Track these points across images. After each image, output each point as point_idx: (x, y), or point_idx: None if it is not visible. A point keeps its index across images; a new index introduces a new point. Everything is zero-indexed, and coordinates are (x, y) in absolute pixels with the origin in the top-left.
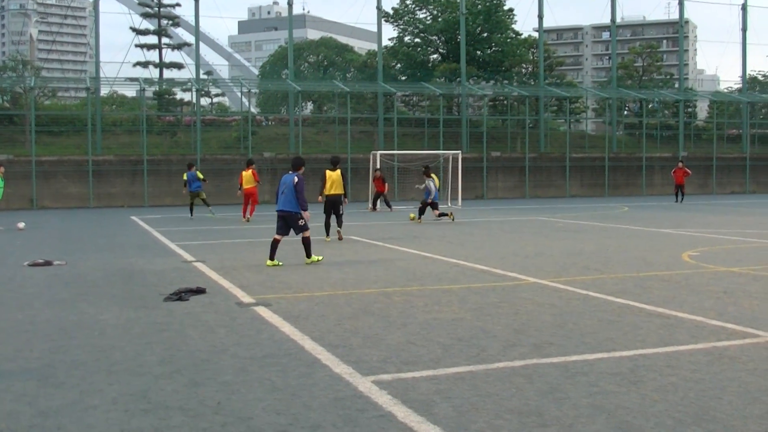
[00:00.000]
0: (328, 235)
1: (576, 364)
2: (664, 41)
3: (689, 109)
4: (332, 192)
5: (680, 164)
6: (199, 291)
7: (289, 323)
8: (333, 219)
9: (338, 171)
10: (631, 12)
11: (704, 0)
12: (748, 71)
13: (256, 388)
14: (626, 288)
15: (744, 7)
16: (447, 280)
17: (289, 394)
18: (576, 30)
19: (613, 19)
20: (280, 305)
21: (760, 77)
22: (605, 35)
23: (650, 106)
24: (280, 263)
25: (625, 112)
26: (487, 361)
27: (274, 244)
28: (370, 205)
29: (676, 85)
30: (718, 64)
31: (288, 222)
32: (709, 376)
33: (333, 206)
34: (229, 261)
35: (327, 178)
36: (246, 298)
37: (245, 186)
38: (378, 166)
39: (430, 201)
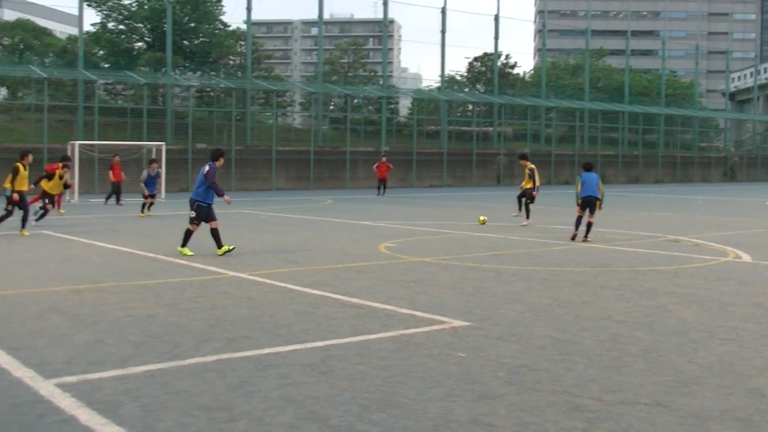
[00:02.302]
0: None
1: (269, 356)
2: (371, 39)
3: (392, 106)
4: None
5: (383, 159)
6: None
7: None
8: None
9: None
10: (340, 9)
11: (408, 2)
12: (447, 71)
13: None
14: (323, 279)
15: (444, 11)
16: (144, 276)
17: None
18: (286, 24)
19: (320, 16)
20: None
21: (458, 77)
22: (314, 30)
23: (355, 101)
24: None
25: (331, 107)
26: (179, 357)
27: None
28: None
29: (381, 82)
30: (420, 63)
31: None
32: (396, 362)
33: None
34: None
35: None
36: None
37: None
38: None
39: None
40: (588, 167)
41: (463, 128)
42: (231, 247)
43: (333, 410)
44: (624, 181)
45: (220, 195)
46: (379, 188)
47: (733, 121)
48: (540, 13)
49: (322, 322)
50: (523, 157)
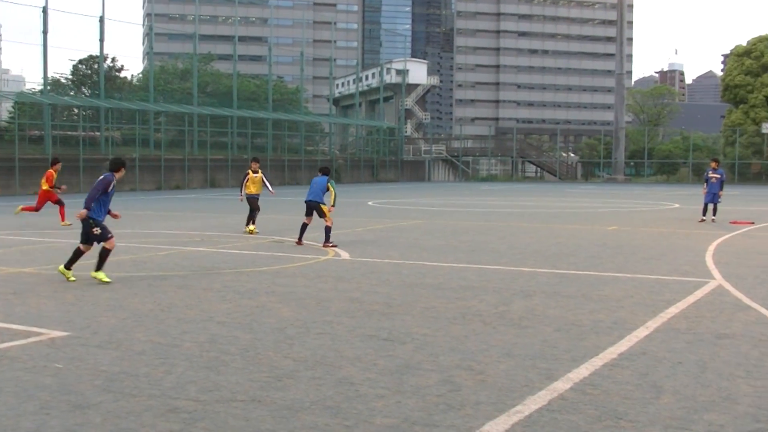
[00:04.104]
0: None
1: None
2: None
3: None
4: None
5: None
6: None
7: None
8: None
9: None
10: None
11: (8, 0)
12: (51, 73)
13: None
14: None
15: (45, 10)
16: None
17: None
18: None
19: None
20: None
21: (63, 80)
22: None
23: None
24: None
25: None
26: None
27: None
28: None
29: None
30: (23, 64)
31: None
32: None
33: None
34: None
35: None
36: None
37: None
38: None
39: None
40: (323, 171)
41: (69, 133)
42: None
43: None
44: (234, 184)
45: (85, 206)
46: None
47: (338, 126)
48: (148, 16)
49: None
50: (255, 160)
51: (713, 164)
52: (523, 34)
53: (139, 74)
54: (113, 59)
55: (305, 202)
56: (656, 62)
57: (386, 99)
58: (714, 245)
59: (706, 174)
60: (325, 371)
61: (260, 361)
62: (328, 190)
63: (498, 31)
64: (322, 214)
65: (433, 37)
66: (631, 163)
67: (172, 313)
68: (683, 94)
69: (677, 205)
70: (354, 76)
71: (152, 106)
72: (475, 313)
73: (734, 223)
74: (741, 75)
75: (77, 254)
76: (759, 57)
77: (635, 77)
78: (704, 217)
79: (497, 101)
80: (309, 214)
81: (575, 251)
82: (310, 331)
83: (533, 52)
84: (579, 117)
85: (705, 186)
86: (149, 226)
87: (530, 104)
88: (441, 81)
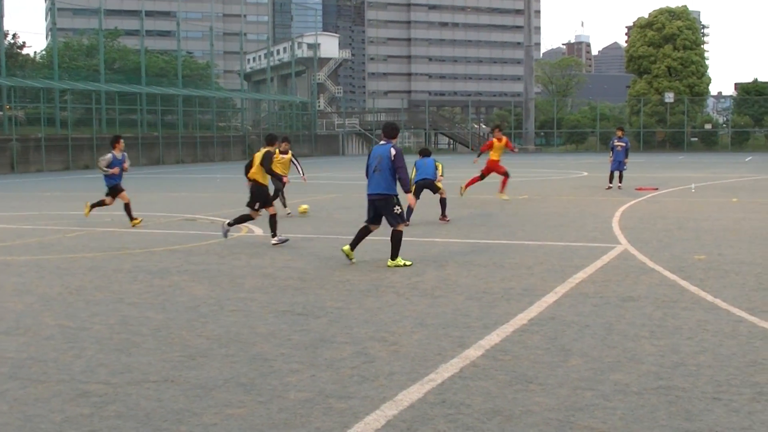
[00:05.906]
0: None
1: None
2: None
3: None
4: None
5: None
6: None
7: None
8: None
9: None
10: None
11: None
12: None
13: None
14: None
15: None
16: None
17: None
18: None
19: None
20: None
21: None
22: None
23: None
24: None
25: None
26: None
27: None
28: None
29: None
30: None
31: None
32: None
33: None
34: None
35: None
36: None
37: None
38: None
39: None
40: (425, 153)
41: None
42: (408, 263)
43: None
44: (146, 163)
45: (407, 189)
46: None
47: (250, 101)
48: None
49: None
50: (286, 140)
51: (619, 133)
52: (433, 7)
53: (42, 51)
54: (14, 35)
55: (415, 182)
56: (563, 34)
57: (298, 73)
58: (620, 211)
59: (611, 142)
60: (239, 348)
61: (173, 340)
62: (436, 168)
63: (409, 5)
64: (436, 190)
65: (344, 11)
66: (541, 133)
67: (81, 295)
68: (590, 65)
69: (585, 173)
70: (265, 51)
71: (57, 83)
72: (389, 285)
73: (639, 189)
74: (644, 46)
75: (364, 233)
76: (660, 29)
77: (543, 49)
78: (611, 184)
79: (409, 74)
80: (418, 195)
81: (487, 221)
82: (224, 309)
83: (444, 24)
84: (490, 89)
85: (611, 154)
86: (57, 208)
87: (442, 77)
88: (353, 55)
